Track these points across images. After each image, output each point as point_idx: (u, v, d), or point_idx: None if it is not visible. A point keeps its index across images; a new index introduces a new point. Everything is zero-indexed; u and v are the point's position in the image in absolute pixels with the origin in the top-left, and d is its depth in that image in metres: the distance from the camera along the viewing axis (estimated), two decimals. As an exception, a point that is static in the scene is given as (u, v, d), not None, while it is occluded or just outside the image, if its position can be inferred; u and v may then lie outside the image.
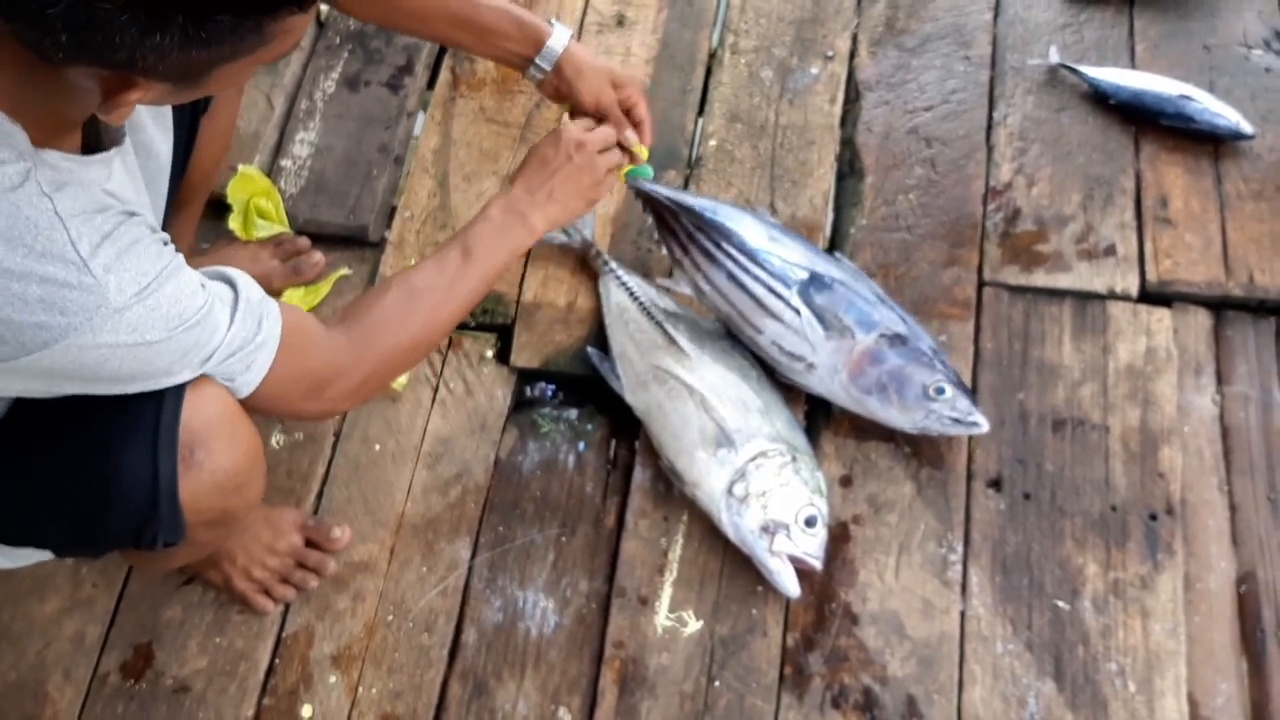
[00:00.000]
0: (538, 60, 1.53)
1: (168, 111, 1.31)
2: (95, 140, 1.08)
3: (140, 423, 1.10)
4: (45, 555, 1.49)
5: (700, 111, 2.00)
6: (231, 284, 1.12)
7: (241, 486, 1.21)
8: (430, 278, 1.36)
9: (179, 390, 1.11)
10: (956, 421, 1.56)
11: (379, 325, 1.30)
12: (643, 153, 1.57)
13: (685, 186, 1.90)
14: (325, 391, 1.26)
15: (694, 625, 1.54)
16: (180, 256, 1.06)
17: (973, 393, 1.65)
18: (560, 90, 1.57)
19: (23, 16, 0.82)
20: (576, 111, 1.58)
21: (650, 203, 1.68)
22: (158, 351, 1.03)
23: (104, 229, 0.98)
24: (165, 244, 1.05)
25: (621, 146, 1.55)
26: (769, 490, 1.52)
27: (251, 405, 1.19)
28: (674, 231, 1.68)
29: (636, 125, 1.58)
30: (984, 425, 1.56)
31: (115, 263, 0.97)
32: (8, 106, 0.93)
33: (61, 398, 1.07)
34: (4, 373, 0.99)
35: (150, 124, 1.25)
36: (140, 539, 1.16)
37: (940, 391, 1.56)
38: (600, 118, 1.55)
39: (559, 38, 1.52)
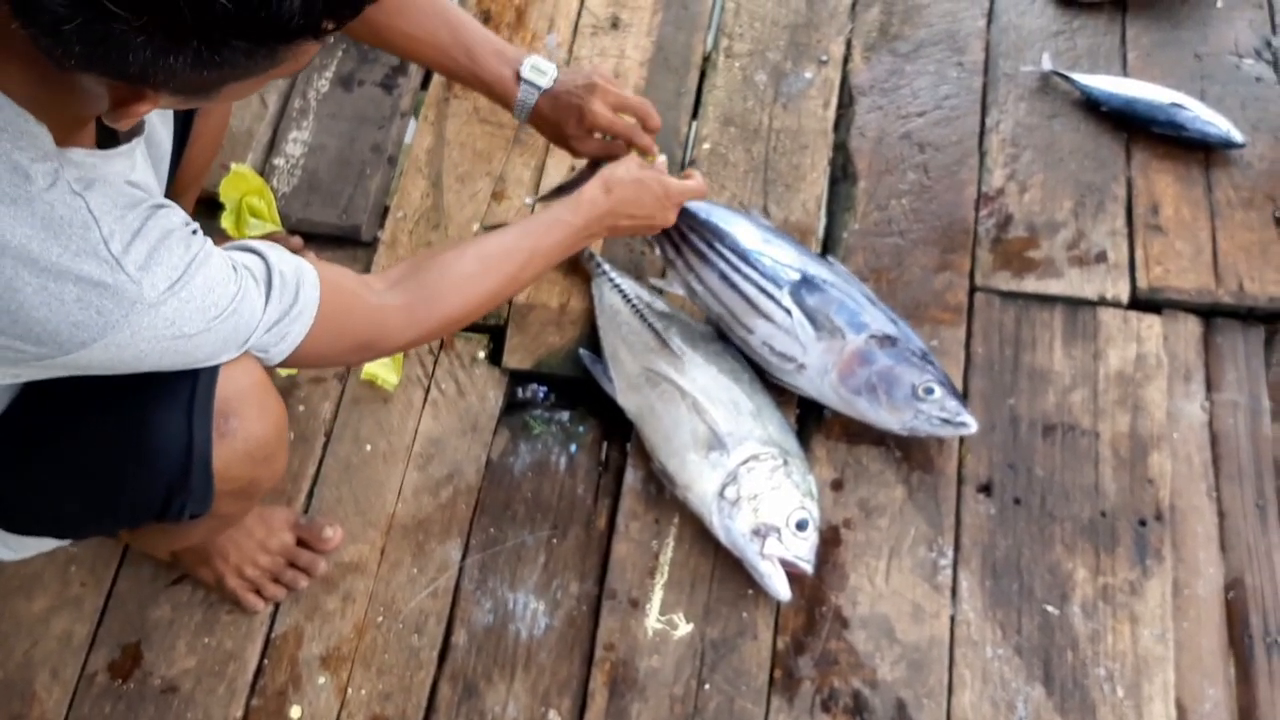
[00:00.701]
0: (516, 118, 1.56)
1: (168, 110, 1.31)
2: (110, 133, 1.09)
3: (175, 391, 1.11)
4: (48, 545, 1.49)
5: (694, 114, 2.00)
6: (262, 257, 1.13)
7: (270, 457, 1.23)
8: (501, 256, 1.39)
9: None
10: (945, 422, 1.57)
11: (439, 291, 1.32)
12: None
13: (678, 189, 1.90)
14: (372, 348, 1.30)
15: (684, 628, 1.54)
16: (209, 242, 1.06)
17: (963, 395, 1.65)
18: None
19: (38, 25, 0.82)
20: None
21: None
22: (197, 343, 1.03)
23: (134, 226, 0.98)
24: (194, 233, 1.05)
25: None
26: (760, 493, 1.52)
27: (291, 362, 1.20)
28: (667, 231, 1.68)
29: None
30: (972, 425, 1.57)
31: (147, 259, 0.98)
32: (29, 107, 0.93)
33: None
34: (44, 370, 1.00)
35: (153, 116, 1.25)
36: (167, 509, 1.16)
37: (929, 392, 1.56)
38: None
39: (523, 103, 1.53)
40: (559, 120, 1.55)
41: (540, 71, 1.53)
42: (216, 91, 0.93)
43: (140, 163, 1.10)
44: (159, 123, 1.27)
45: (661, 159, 1.59)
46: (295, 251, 1.77)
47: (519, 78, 1.52)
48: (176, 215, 1.03)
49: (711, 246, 1.64)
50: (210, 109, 1.51)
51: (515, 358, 1.75)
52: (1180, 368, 1.71)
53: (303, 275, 1.15)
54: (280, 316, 1.12)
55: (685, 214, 1.66)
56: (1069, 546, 1.57)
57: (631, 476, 1.64)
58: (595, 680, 1.50)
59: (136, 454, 1.11)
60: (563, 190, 1.73)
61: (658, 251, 1.72)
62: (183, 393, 1.11)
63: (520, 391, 1.74)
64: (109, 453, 1.12)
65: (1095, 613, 1.52)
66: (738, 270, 1.63)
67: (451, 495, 1.64)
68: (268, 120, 1.97)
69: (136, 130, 1.11)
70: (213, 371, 1.12)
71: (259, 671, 1.53)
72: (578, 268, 1.80)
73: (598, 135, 1.58)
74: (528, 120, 1.56)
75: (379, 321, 1.27)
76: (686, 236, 1.66)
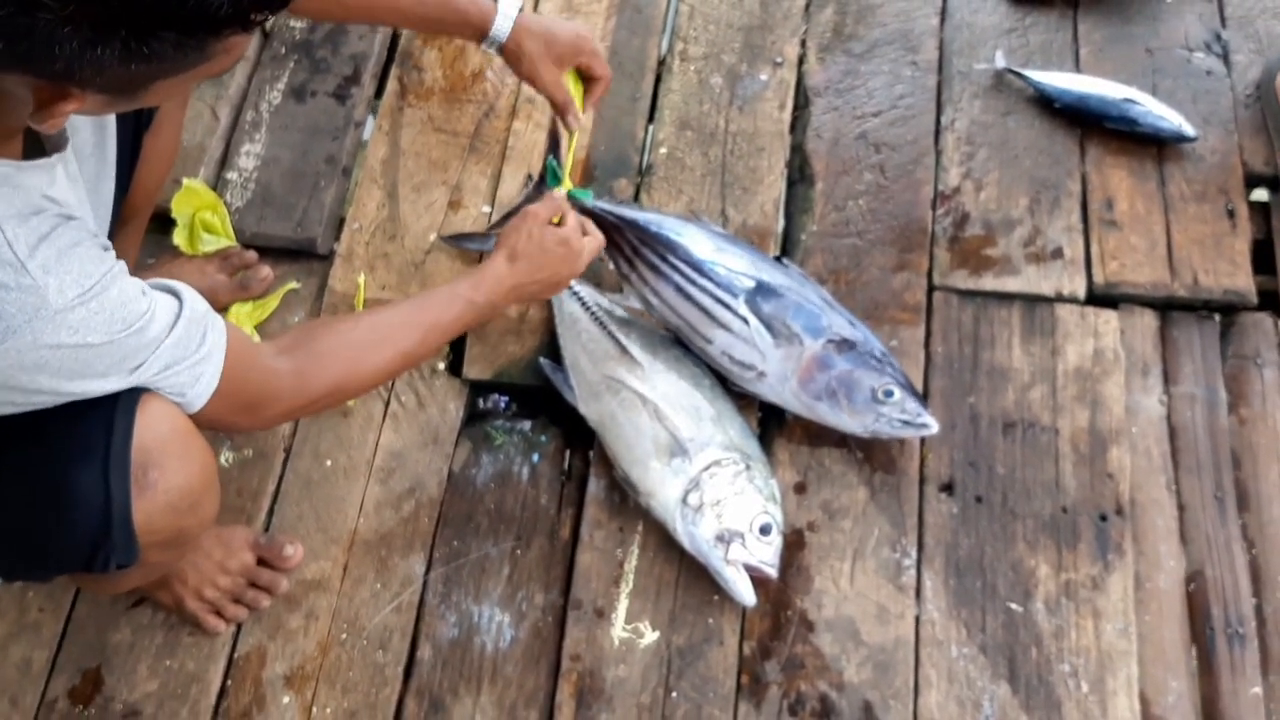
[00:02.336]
0: (484, 47, 1.57)
1: (110, 129, 1.29)
2: (37, 146, 1.07)
3: (91, 444, 1.09)
4: (-4, 575, 1.47)
5: (650, 119, 2.00)
6: (177, 295, 1.11)
7: (196, 505, 1.20)
8: (393, 330, 1.37)
9: (130, 410, 1.09)
10: (906, 423, 1.57)
11: (328, 360, 1.30)
12: (566, 184, 1.68)
13: (636, 195, 1.90)
14: (259, 412, 1.26)
15: (650, 636, 1.53)
16: (122, 263, 1.05)
17: (922, 395, 1.66)
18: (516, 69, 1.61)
19: None
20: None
21: (594, 220, 1.67)
22: (99, 354, 1.02)
23: (41, 230, 0.97)
24: (106, 249, 1.04)
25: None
26: (723, 499, 1.52)
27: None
28: (619, 247, 1.68)
29: (590, 83, 1.65)
30: (933, 426, 1.57)
31: (55, 264, 0.96)
32: None
33: (7, 421, 1.05)
34: None
35: (87, 134, 1.23)
36: (92, 563, 1.14)
37: (889, 394, 1.57)
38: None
39: (500, 25, 1.54)
40: (544, 37, 1.56)
41: None
42: (144, 90, 0.93)
43: (61, 179, 1.08)
44: (97, 150, 1.25)
45: (560, 192, 1.65)
46: (250, 266, 1.77)
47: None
48: (86, 229, 1.02)
49: (664, 259, 1.64)
50: (160, 125, 1.49)
51: (475, 368, 1.74)
52: (1137, 362, 1.72)
53: (211, 320, 1.14)
54: (186, 354, 1.10)
55: (636, 227, 1.66)
56: (1031, 543, 1.58)
57: (595, 485, 1.63)
58: (562, 692, 1.50)
59: (55, 512, 1.09)
60: (509, 217, 1.75)
61: (612, 267, 1.72)
62: (98, 447, 1.08)
63: (481, 402, 1.73)
64: (28, 510, 1.10)
65: (1058, 609, 1.53)
66: (692, 282, 1.62)
67: (414, 509, 1.63)
68: (219, 134, 1.95)
69: (59, 145, 1.09)
70: (128, 423, 1.09)
71: (222, 693, 1.52)
72: (536, 276, 1.79)
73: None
74: (502, 44, 1.57)
75: (270, 384, 1.25)
76: (639, 251, 1.66)
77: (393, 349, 1.36)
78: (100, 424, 1.08)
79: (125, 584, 1.47)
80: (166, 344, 1.08)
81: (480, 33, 1.56)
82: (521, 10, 1.56)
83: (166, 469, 1.13)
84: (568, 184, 1.69)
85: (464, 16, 1.54)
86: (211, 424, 1.21)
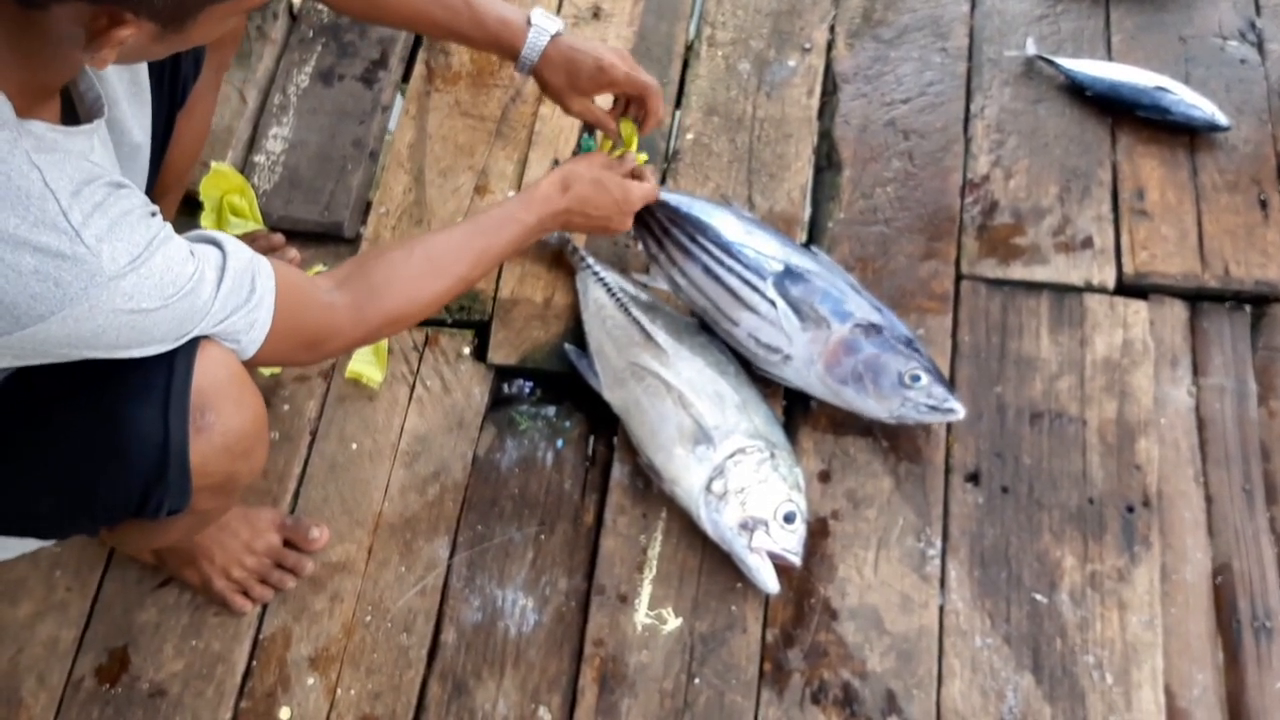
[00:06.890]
0: (518, 67, 1.55)
1: (146, 103, 1.30)
2: (73, 114, 1.08)
3: (151, 385, 1.09)
4: (28, 546, 1.48)
5: (677, 104, 1.99)
6: (219, 246, 1.12)
7: (248, 451, 1.21)
8: (447, 252, 1.38)
9: (189, 353, 1.11)
10: (933, 408, 1.56)
11: (384, 292, 1.31)
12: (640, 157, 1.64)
13: (663, 180, 1.89)
14: (321, 347, 1.28)
15: (673, 622, 1.53)
16: (169, 226, 1.05)
17: (949, 382, 1.65)
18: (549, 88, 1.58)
19: None
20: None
21: None
22: (155, 320, 1.02)
23: (94, 199, 0.97)
24: (154, 214, 1.04)
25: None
26: (747, 487, 1.51)
27: (248, 361, 1.19)
28: (649, 226, 1.67)
29: (644, 113, 1.62)
30: (960, 411, 1.56)
31: (108, 233, 0.97)
32: None
33: (68, 363, 1.06)
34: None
35: (125, 105, 1.24)
36: (145, 505, 1.15)
37: (916, 379, 1.56)
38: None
39: (525, 58, 1.52)
40: (566, 69, 1.54)
41: (550, 19, 1.53)
42: (193, 19, 0.94)
43: (99, 147, 1.09)
44: (131, 117, 1.26)
45: (633, 156, 1.61)
46: (277, 249, 1.78)
47: (529, 23, 1.52)
48: (136, 195, 1.03)
49: (694, 240, 1.63)
50: (193, 107, 1.50)
51: (500, 353, 1.74)
52: (1167, 353, 1.71)
53: (258, 267, 1.14)
54: (239, 305, 1.11)
55: (666, 208, 1.66)
56: (1057, 534, 1.57)
57: (619, 471, 1.63)
58: (585, 676, 1.50)
59: (112, 450, 1.10)
60: None
61: (640, 247, 1.72)
62: (158, 387, 1.09)
63: (506, 387, 1.73)
64: (84, 450, 1.11)
65: (1084, 600, 1.52)
66: (721, 263, 1.62)
67: (438, 493, 1.64)
68: (247, 117, 1.95)
69: (96, 111, 1.10)
70: (188, 365, 1.10)
71: (247, 673, 1.53)
72: (562, 262, 1.79)
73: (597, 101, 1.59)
74: (530, 70, 1.55)
75: (328, 320, 1.26)
76: (669, 231, 1.65)
77: (447, 279, 1.37)
78: (160, 365, 1.09)
79: (166, 538, 1.47)
80: (217, 303, 1.08)
81: (509, 57, 1.54)
82: (556, 36, 1.52)
83: (223, 412, 1.14)
84: (632, 146, 1.66)
85: (495, 40, 1.52)
86: (273, 362, 1.22)
